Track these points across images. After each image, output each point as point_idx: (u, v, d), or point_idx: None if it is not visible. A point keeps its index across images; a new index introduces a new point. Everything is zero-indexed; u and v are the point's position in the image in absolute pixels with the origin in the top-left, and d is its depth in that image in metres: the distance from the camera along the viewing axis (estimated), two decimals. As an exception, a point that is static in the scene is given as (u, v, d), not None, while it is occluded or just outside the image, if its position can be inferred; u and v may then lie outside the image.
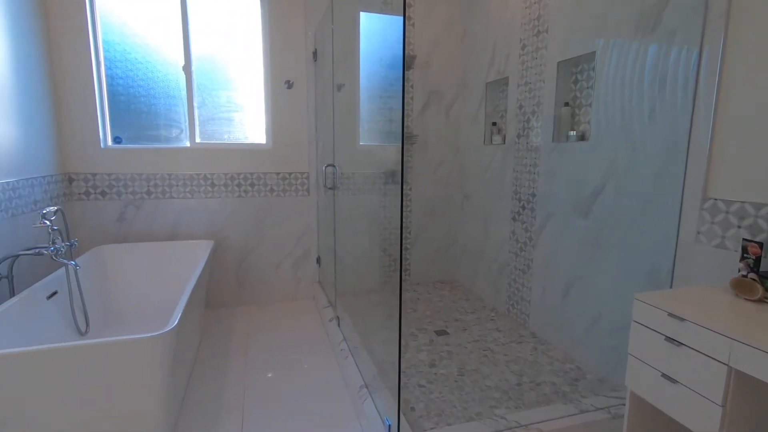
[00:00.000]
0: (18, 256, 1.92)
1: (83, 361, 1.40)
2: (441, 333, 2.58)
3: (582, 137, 2.24)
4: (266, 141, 3.04)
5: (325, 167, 2.65)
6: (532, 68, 2.50)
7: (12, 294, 1.91)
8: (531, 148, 2.55)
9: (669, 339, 1.23)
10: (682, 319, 1.19)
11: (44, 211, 1.84)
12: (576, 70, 2.30)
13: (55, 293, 1.99)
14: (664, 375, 1.25)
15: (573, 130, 2.30)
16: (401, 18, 1.18)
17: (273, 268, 3.11)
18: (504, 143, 2.85)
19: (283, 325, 2.77)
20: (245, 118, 3.02)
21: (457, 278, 3.59)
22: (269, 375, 2.16)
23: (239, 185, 2.96)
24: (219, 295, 3.03)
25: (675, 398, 1.22)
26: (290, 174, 3.05)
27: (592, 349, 2.15)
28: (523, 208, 2.63)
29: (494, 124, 3.04)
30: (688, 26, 1.61)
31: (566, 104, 2.31)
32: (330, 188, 2.62)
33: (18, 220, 2.08)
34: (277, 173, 3.02)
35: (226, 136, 2.99)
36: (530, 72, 2.52)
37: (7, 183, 2.01)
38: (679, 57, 1.65)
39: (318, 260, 3.21)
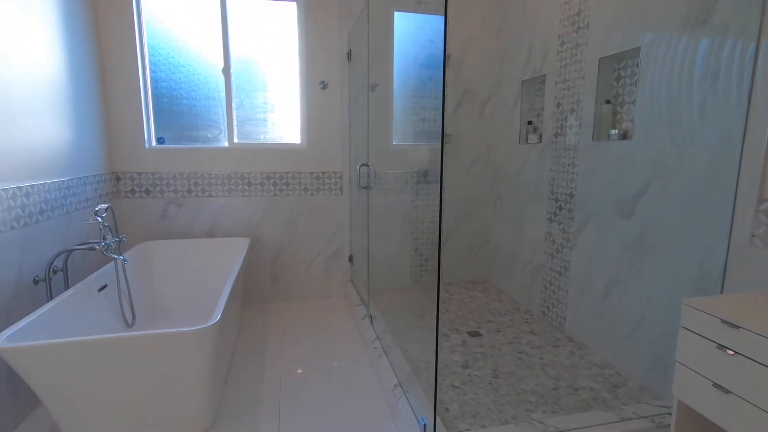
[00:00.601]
0: (72, 250, 2.03)
1: (136, 350, 1.48)
2: (474, 334, 2.55)
3: (624, 135, 2.16)
4: (301, 141, 3.09)
5: (359, 167, 2.67)
6: (571, 65, 2.44)
7: (67, 286, 2.03)
8: (569, 147, 2.49)
9: (721, 347, 1.18)
10: (737, 327, 1.13)
11: (96, 209, 1.94)
12: (619, 67, 2.22)
13: (105, 286, 2.10)
14: (715, 384, 1.19)
15: (614, 128, 2.23)
16: (438, 17, 1.18)
17: (306, 266, 3.17)
18: (540, 142, 2.79)
19: (316, 323, 2.82)
20: (281, 118, 3.08)
21: (490, 279, 3.54)
22: (300, 371, 2.20)
23: (275, 184, 3.02)
24: (254, 291, 3.11)
25: (728, 409, 1.16)
26: (324, 173, 3.10)
27: (633, 355, 2.08)
28: (560, 208, 2.57)
29: (530, 122, 2.98)
30: (743, 19, 1.53)
31: (607, 102, 2.24)
32: (364, 187, 2.64)
33: (72, 216, 2.21)
34: (311, 173, 3.07)
35: (262, 137, 3.06)
36: (569, 69, 2.46)
37: (63, 182, 2.14)
38: (733, 51, 1.57)
39: (350, 259, 3.24)
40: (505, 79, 3.23)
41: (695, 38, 1.72)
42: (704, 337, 1.23)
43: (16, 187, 1.78)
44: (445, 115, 3.32)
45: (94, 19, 2.55)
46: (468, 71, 3.29)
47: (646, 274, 1.99)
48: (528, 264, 2.95)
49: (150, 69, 2.81)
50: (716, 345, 1.19)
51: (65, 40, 2.22)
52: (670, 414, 1.64)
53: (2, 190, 1.69)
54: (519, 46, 3.01)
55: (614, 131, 2.18)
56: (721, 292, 1.62)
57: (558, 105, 2.57)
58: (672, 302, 1.85)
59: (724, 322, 1.17)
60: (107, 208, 2.03)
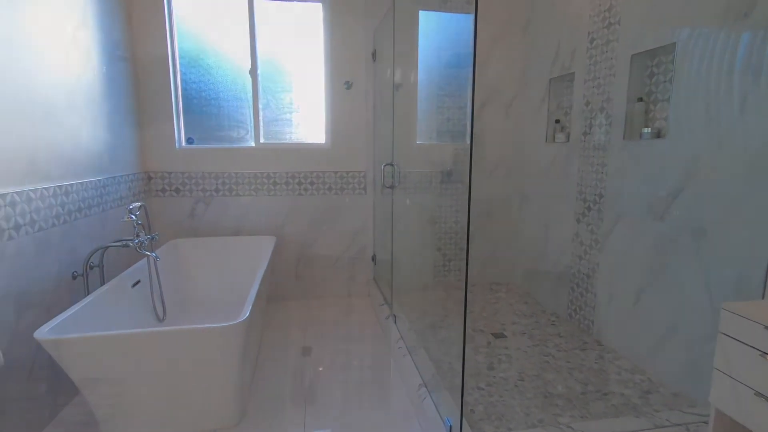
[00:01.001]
0: (108, 247, 2.10)
1: (168, 345, 1.52)
2: (499, 336, 2.52)
3: (658, 134, 2.10)
4: (325, 141, 3.12)
5: (384, 166, 2.67)
6: (602, 62, 2.38)
7: (103, 281, 2.11)
8: (598, 146, 2.43)
9: (764, 354, 1.13)
10: (782, 334, 1.09)
11: (131, 207, 2.01)
12: (652, 63, 2.15)
13: (138, 282, 2.17)
14: (758, 393, 1.15)
15: (647, 126, 2.16)
16: (463, 15, 1.17)
17: (330, 265, 3.19)
18: (568, 141, 2.73)
19: (340, 321, 2.84)
20: (305, 118, 3.12)
21: (514, 280, 3.49)
22: (323, 369, 2.22)
23: (299, 183, 3.06)
24: (279, 288, 3.16)
25: (771, 419, 1.12)
26: (348, 173, 3.11)
27: (665, 361, 2.01)
28: (589, 209, 2.51)
29: (557, 121, 2.92)
30: (789, 11, 1.46)
31: (640, 99, 2.18)
32: (388, 187, 2.65)
33: (107, 214, 2.29)
34: (335, 172, 3.10)
35: (287, 137, 3.10)
36: (599, 66, 2.40)
37: (99, 181, 2.22)
38: (777, 45, 1.50)
39: (373, 258, 3.25)
40: (531, 77, 3.18)
41: (736, 32, 1.65)
42: (745, 344, 1.18)
43: (57, 186, 1.85)
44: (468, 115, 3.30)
45: (126, 22, 2.63)
46: (494, 70, 3.25)
47: (680, 277, 1.92)
48: (554, 266, 2.89)
49: (180, 71, 2.89)
50: (759, 353, 1.14)
51: (101, 42, 2.31)
52: (705, 422, 1.59)
53: (44, 188, 1.76)
54: (546, 44, 2.95)
55: (647, 130, 2.12)
56: (763, 297, 1.56)
57: (587, 103, 2.51)
58: (708, 307, 1.78)
59: (767, 328, 1.12)
60: (140, 206, 2.10)
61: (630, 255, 2.21)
